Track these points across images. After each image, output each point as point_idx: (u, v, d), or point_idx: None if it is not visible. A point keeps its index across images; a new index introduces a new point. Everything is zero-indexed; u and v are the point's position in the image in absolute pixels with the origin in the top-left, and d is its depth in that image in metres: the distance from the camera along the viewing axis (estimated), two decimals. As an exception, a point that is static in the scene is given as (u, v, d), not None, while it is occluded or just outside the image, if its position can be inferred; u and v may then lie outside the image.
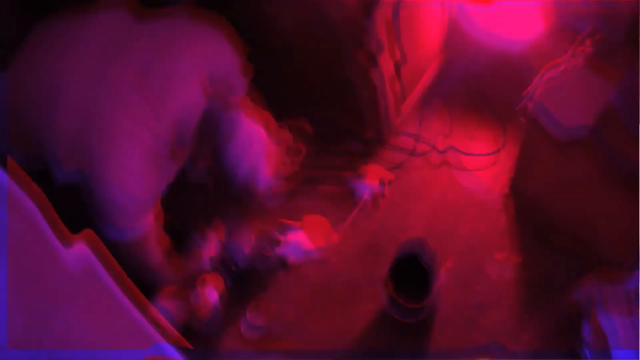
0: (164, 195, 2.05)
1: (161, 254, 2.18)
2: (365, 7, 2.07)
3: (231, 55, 2.08)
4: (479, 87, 2.84)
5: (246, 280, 2.52)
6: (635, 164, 1.79)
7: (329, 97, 2.71)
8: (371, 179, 2.69)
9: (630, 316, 1.94)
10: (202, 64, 1.96)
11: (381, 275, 2.23)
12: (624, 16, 1.89)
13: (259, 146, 1.95)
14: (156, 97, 1.84)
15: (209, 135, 1.89)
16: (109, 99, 1.82)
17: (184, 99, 1.89)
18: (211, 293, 2.36)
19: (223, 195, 2.18)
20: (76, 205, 1.92)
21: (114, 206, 1.87)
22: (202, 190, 2.23)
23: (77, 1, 2.02)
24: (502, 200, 2.58)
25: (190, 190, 2.27)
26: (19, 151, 2.00)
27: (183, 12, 2.05)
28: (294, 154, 2.13)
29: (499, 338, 2.29)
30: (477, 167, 2.71)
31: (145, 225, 1.99)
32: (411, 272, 2.23)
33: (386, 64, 2.37)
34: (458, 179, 2.69)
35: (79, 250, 1.22)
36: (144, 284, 1.87)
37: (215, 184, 1.98)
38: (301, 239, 2.56)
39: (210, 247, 2.50)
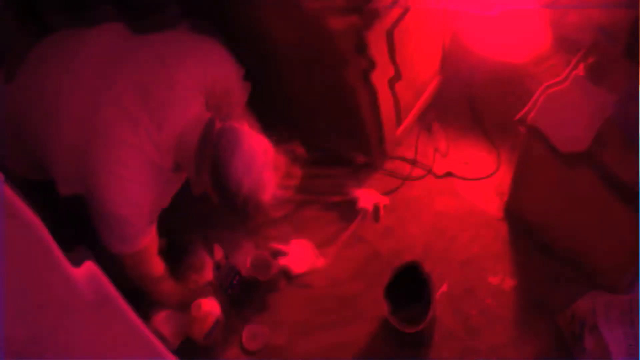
0: (165, 214, 2.05)
1: (161, 267, 2.18)
2: (360, 24, 2.08)
3: (231, 68, 2.11)
4: (478, 106, 2.87)
5: (242, 304, 2.52)
6: (633, 180, 1.80)
7: (321, 119, 2.72)
8: (365, 203, 2.70)
9: (631, 327, 1.94)
10: (202, 75, 1.98)
11: (376, 296, 2.23)
12: (623, 29, 1.92)
13: (264, 158, 1.95)
14: (157, 110, 1.85)
15: (211, 149, 1.89)
16: (110, 112, 1.83)
17: (186, 112, 1.91)
18: (212, 306, 2.36)
19: (223, 214, 2.18)
20: (76, 217, 1.93)
21: (116, 218, 1.87)
22: (203, 209, 2.23)
23: (76, 18, 2.06)
24: (498, 222, 2.59)
25: (191, 209, 2.27)
26: (21, 164, 2.01)
27: (184, 26, 2.09)
28: (289, 179, 2.14)
29: (498, 353, 2.28)
30: (473, 188, 2.72)
31: (146, 238, 2.00)
32: (407, 294, 2.23)
33: (381, 83, 2.38)
34: (454, 201, 2.70)
35: (86, 265, 1.22)
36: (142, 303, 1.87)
37: (215, 199, 1.97)
38: (291, 263, 2.57)
39: (207, 270, 2.50)
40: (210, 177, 1.91)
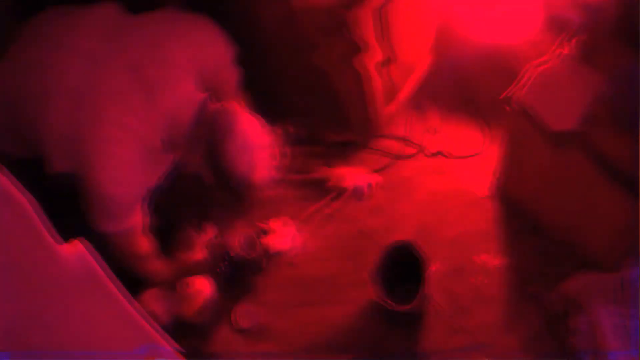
0: (155, 194, 2.04)
1: (150, 247, 2.18)
2: (336, 3, 2.06)
3: (223, 47, 2.10)
4: (468, 85, 2.87)
5: (232, 283, 2.53)
6: (623, 160, 1.81)
7: (308, 98, 2.71)
8: (352, 181, 2.70)
9: (620, 305, 1.95)
10: (194, 55, 1.97)
11: (364, 275, 2.24)
12: (612, 6, 1.92)
13: (257, 139, 1.95)
14: (149, 90, 1.84)
15: (205, 129, 1.89)
16: (101, 92, 1.82)
17: (178, 91, 1.90)
18: (202, 285, 2.37)
19: (216, 193, 2.19)
20: (67, 198, 1.92)
21: (105, 197, 1.87)
22: (194, 188, 2.23)
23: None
24: (487, 201, 2.60)
25: (182, 189, 2.27)
26: (11, 143, 2.01)
27: (175, 8, 2.07)
28: (279, 159, 2.14)
29: (486, 339, 2.30)
30: (463, 167, 2.72)
31: (134, 217, 2.00)
32: (397, 272, 2.24)
33: (369, 64, 2.37)
34: (443, 179, 2.70)
35: (75, 245, 1.21)
36: (132, 281, 1.87)
37: (209, 178, 1.98)
38: (273, 242, 2.59)
39: (197, 248, 2.51)
40: (205, 157, 1.91)
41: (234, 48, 2.14)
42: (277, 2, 2.21)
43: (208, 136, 1.89)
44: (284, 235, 2.60)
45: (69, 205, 1.90)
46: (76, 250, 1.21)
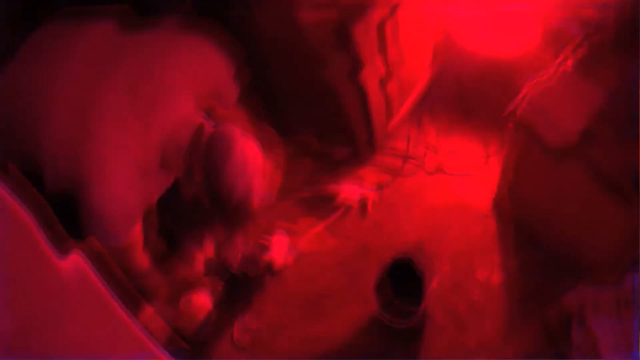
0: (158, 206, 2.04)
1: (146, 263, 2.17)
2: (351, 17, 2.06)
3: (223, 63, 2.09)
4: (468, 101, 2.87)
5: (232, 299, 2.52)
6: (623, 174, 1.81)
7: (309, 114, 2.71)
8: (350, 197, 2.70)
9: (619, 319, 1.95)
10: (192, 75, 1.96)
11: (364, 291, 2.24)
12: (612, 21, 1.93)
13: (255, 164, 1.94)
14: (146, 110, 1.84)
15: (201, 154, 1.89)
16: (99, 111, 1.82)
17: (175, 112, 1.89)
18: (203, 302, 2.36)
19: (214, 210, 2.18)
20: (65, 213, 1.91)
21: (101, 215, 1.86)
22: (195, 204, 2.22)
23: (72, 10, 2.04)
24: (486, 217, 2.60)
25: (183, 202, 2.27)
26: (9, 158, 2.00)
27: (175, 22, 2.06)
28: (298, 170, 2.12)
29: (487, 348, 2.29)
30: (463, 183, 2.72)
31: (131, 235, 1.99)
32: (397, 289, 2.24)
33: (372, 80, 2.37)
34: (443, 196, 2.70)
35: (73, 258, 1.21)
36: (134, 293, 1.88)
37: (207, 200, 1.97)
38: (274, 258, 2.59)
39: (197, 265, 2.50)
40: (202, 182, 1.91)
41: (233, 64, 2.14)
42: (282, 16, 2.21)
43: (205, 162, 1.88)
44: (281, 251, 2.60)
45: (68, 214, 1.90)
46: (75, 263, 1.21)
